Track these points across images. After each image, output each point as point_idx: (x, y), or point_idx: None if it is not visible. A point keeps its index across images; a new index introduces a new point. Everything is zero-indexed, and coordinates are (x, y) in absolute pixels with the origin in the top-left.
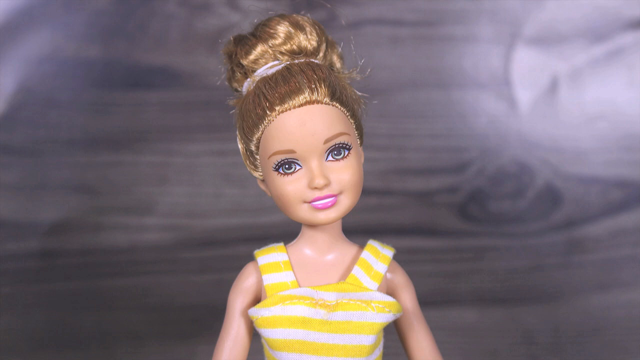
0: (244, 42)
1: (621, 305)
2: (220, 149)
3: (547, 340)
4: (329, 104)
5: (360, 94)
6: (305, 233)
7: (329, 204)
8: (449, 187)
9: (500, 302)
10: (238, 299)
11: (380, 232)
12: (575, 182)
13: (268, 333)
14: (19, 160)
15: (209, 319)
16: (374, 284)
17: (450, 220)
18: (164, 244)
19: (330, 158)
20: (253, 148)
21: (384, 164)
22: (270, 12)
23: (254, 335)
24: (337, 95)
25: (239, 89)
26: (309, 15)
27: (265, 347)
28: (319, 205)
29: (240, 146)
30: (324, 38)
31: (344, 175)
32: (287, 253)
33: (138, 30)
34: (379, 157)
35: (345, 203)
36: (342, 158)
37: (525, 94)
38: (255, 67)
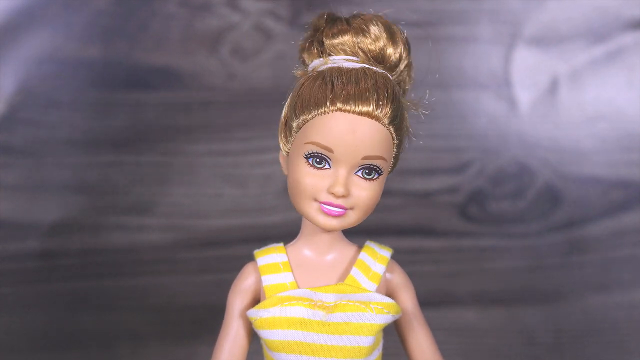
0: (336, 24)
1: (621, 306)
2: (221, 149)
3: (547, 341)
4: (385, 125)
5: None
6: (305, 233)
7: (335, 214)
8: (449, 187)
9: (500, 302)
10: (237, 300)
11: (380, 233)
12: (575, 182)
13: (267, 334)
14: (19, 160)
15: (209, 320)
16: (372, 285)
17: (451, 221)
18: (164, 244)
19: (359, 174)
20: (295, 126)
21: None
22: (370, 10)
23: (253, 336)
24: (396, 121)
25: (307, 63)
26: (405, 32)
27: (264, 348)
28: (326, 210)
29: (282, 114)
30: (407, 56)
31: (364, 193)
32: (287, 254)
33: (138, 31)
34: None
35: (351, 218)
36: (371, 180)
37: (525, 94)
38: (333, 51)
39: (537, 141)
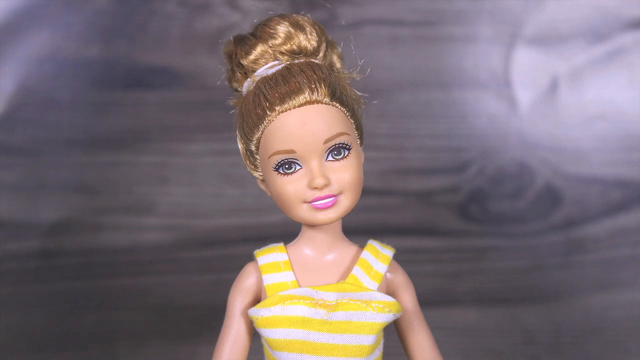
0: (244, 42)
1: (621, 305)
2: (220, 149)
3: (547, 341)
4: (328, 104)
5: (360, 94)
6: (306, 233)
7: (329, 204)
8: (449, 187)
9: (500, 302)
10: (238, 299)
11: (380, 232)
12: (575, 182)
13: (268, 333)
14: (19, 160)
15: (209, 319)
16: (374, 284)
17: (451, 220)
18: (164, 244)
19: (330, 158)
20: (253, 148)
21: (384, 164)
22: (270, 12)
23: (254, 335)
24: (337, 95)
25: (239, 89)
26: (308, 15)
27: (265, 347)
28: (319, 205)
29: (240, 146)
30: (323, 38)
31: (344, 175)
32: (287, 253)
33: (138, 30)
34: (379, 157)
35: (345, 203)
36: (342, 158)
37: (525, 94)
38: (256, 67)
39: (537, 141)
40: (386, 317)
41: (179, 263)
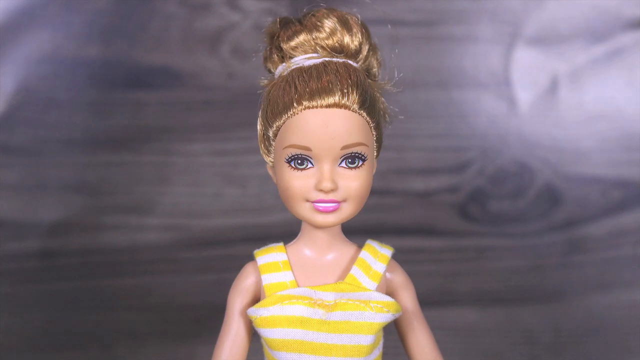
0: (289, 26)
1: (622, 305)
2: (221, 148)
3: (547, 340)
4: (356, 112)
5: (388, 105)
6: (305, 233)
7: (330, 209)
8: (449, 187)
9: (500, 302)
10: (237, 299)
11: (380, 232)
12: (575, 182)
13: (267, 333)
14: (19, 160)
15: (209, 319)
16: (372, 284)
17: (451, 220)
18: (164, 244)
19: (343, 164)
20: (271, 134)
21: (384, 164)
22: (321, 5)
23: (254, 335)
24: (366, 105)
25: (272, 71)
26: (359, 15)
27: (265, 346)
28: (320, 208)
29: (258, 127)
30: (368, 41)
31: (353, 184)
32: (287, 253)
33: (138, 30)
34: (379, 157)
35: (347, 211)
36: (355, 167)
37: (525, 94)
38: (294, 53)
39: (537, 141)
40: (385, 317)
41: (179, 263)
